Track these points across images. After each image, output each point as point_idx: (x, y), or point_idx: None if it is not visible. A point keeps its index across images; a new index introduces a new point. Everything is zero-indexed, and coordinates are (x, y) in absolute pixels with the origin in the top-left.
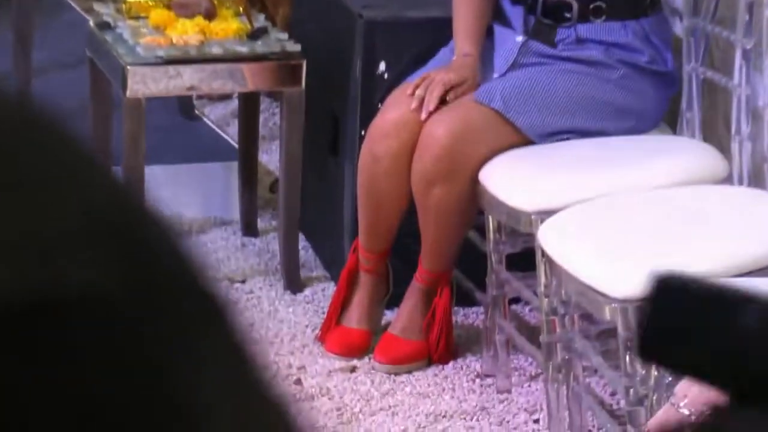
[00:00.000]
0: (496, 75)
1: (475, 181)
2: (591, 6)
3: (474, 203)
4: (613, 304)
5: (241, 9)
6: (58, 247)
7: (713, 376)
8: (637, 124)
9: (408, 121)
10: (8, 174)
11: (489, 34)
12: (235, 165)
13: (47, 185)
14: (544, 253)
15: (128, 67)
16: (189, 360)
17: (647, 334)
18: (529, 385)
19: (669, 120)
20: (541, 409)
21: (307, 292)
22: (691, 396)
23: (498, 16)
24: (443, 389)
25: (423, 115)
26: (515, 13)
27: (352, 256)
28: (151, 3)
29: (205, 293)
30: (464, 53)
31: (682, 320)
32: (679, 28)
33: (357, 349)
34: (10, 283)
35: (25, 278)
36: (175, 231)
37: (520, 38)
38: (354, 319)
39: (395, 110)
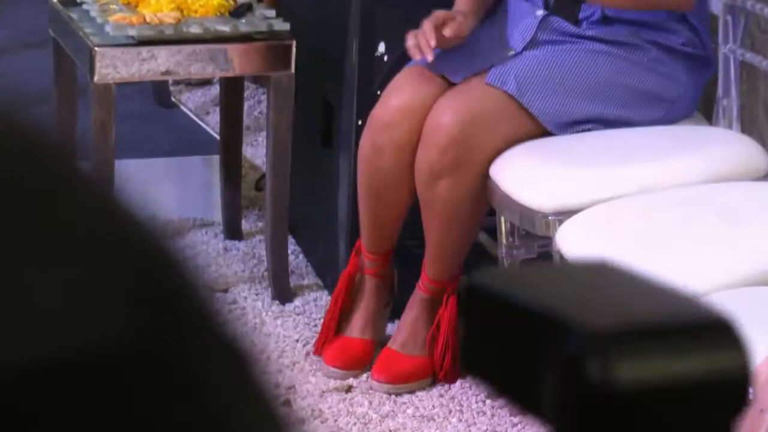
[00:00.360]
0: (511, 53)
1: (485, 175)
2: None
3: (484, 200)
4: None
5: None
6: (98, 300)
7: (529, 402)
8: (667, 113)
9: (413, 109)
10: (26, 216)
11: (504, 9)
12: (216, 159)
13: (70, 231)
14: (562, 259)
15: (96, 49)
16: (225, 411)
17: (464, 344)
18: None
19: (703, 108)
20: None
21: (298, 302)
22: None
23: None
24: (450, 411)
25: (429, 57)
26: None
27: (354, 258)
28: None
29: (227, 338)
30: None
31: (492, 336)
32: (715, 4)
33: (359, 361)
34: (67, 338)
35: (78, 333)
36: (193, 268)
37: (540, 12)
38: (356, 328)
39: (398, 97)
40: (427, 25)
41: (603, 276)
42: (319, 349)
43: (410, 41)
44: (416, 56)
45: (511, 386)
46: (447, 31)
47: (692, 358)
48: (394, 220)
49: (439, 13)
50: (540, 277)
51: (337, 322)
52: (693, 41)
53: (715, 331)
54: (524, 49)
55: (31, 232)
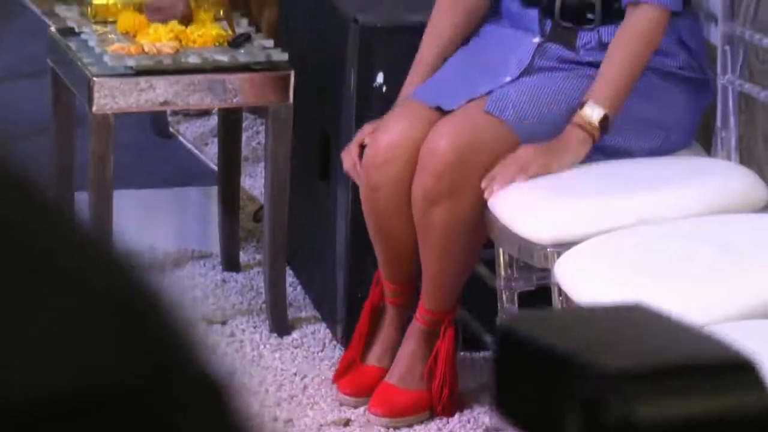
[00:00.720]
0: (507, 78)
1: (481, 203)
2: (616, 5)
3: (480, 228)
4: None
5: (221, 12)
6: (84, 340)
7: None
8: (665, 140)
9: (403, 145)
10: (15, 260)
11: (496, 36)
12: (214, 190)
13: (59, 271)
14: (561, 291)
15: (94, 79)
16: None
17: (493, 385)
18: None
19: (701, 139)
20: None
21: (296, 335)
22: None
23: (510, 17)
24: None
25: (356, 180)
26: (529, 16)
27: (374, 288)
28: (120, 6)
29: (208, 376)
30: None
31: (522, 377)
32: (714, 35)
33: (372, 390)
34: (54, 379)
35: (69, 374)
36: (178, 309)
37: (536, 39)
38: (374, 356)
39: (388, 133)
40: (353, 146)
41: (631, 318)
42: (339, 377)
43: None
44: (355, 178)
45: (538, 427)
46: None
47: (713, 398)
48: (407, 253)
49: (366, 129)
50: (570, 321)
51: (361, 351)
52: (691, 65)
53: (736, 371)
54: (521, 75)
55: (14, 270)
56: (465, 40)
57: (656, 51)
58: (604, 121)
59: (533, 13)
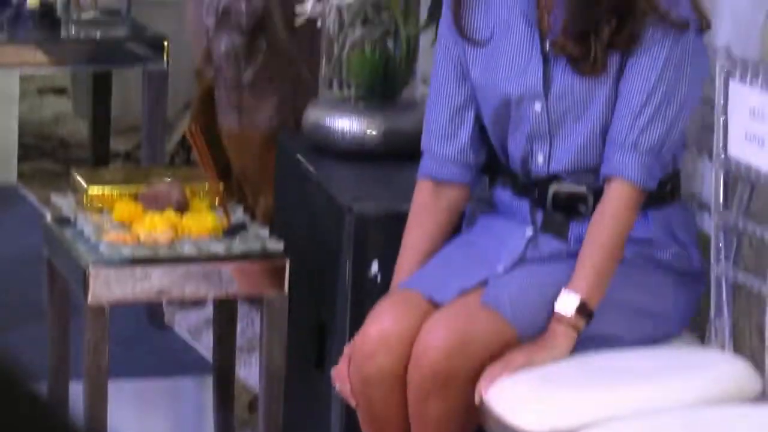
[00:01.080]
0: (500, 269)
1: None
2: None
3: (476, 418)
4: None
5: (216, 201)
6: None
7: None
8: (656, 330)
9: (397, 333)
10: None
11: (493, 226)
12: (209, 380)
13: None
14: None
15: (90, 268)
16: None
17: None
18: None
19: (695, 328)
20: None
21: None
22: None
23: (502, 208)
24: None
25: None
26: (521, 207)
27: None
28: (115, 195)
29: None
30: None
31: None
32: (707, 224)
33: None
34: None
35: None
36: None
37: (528, 231)
38: None
39: (379, 322)
40: (342, 364)
41: None
42: None
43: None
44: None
45: None
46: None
47: None
48: None
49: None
50: None
51: None
52: (682, 256)
53: None
54: (513, 266)
55: None
56: (455, 230)
57: (647, 243)
58: (583, 308)
59: (524, 204)
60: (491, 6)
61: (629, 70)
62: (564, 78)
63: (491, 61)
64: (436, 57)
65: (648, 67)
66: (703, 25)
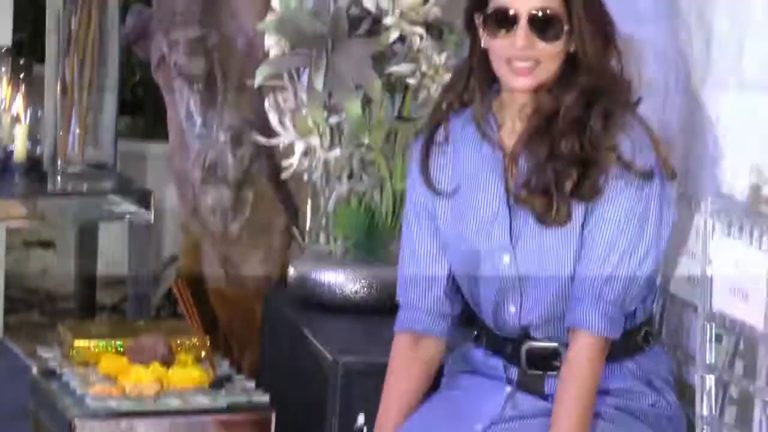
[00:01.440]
0: (479, 427)
1: None
2: None
3: None
4: None
5: (202, 354)
6: None
7: None
8: None
9: None
10: None
11: (472, 384)
12: None
13: None
14: None
15: (75, 421)
16: None
17: None
18: None
19: None
20: None
21: None
22: None
23: (477, 366)
24: None
25: None
26: (496, 364)
27: None
28: (101, 347)
29: None
30: None
31: None
32: (691, 375)
33: None
34: None
35: None
36: None
37: (508, 389)
38: None
39: None
40: None
41: None
42: None
43: None
44: None
45: None
46: None
47: None
48: None
49: None
50: None
51: None
52: (659, 405)
53: None
54: (492, 424)
55: None
56: (435, 387)
57: (624, 391)
58: None
59: (499, 362)
60: (459, 158)
61: (593, 219)
62: (531, 230)
63: (459, 214)
64: (406, 209)
65: (611, 217)
66: (669, 176)
